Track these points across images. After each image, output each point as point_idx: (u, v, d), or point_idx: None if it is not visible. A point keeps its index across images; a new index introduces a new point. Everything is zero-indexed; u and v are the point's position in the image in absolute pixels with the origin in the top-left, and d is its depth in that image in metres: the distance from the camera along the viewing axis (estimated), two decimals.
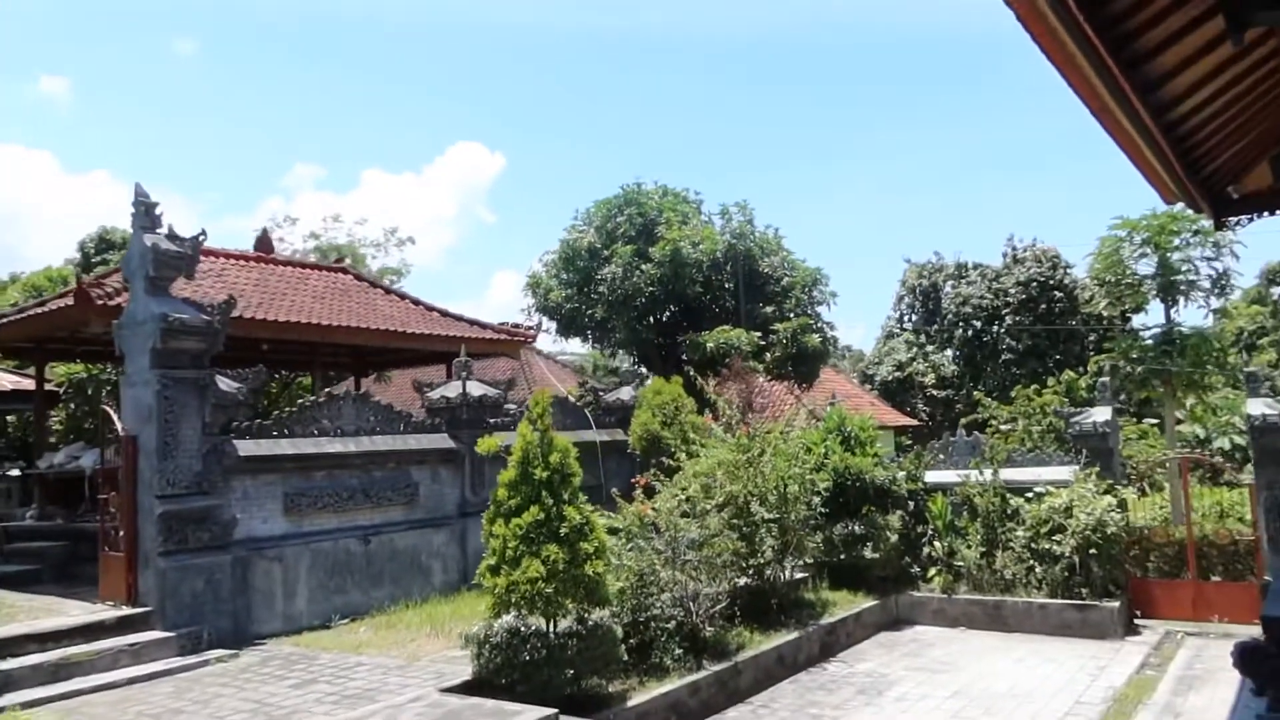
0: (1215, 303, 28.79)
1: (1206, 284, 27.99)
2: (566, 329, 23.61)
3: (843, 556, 14.01)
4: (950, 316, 41.08)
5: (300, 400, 14.71)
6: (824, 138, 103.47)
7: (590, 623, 8.89)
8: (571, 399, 19.68)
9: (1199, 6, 6.32)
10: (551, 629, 8.62)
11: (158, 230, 12.07)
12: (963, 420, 30.18)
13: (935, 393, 37.68)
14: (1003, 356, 39.07)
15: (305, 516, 12.62)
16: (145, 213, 11.98)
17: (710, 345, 20.06)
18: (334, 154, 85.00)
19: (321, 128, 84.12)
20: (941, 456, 15.64)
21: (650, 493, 11.73)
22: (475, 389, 15.17)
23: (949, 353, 41.29)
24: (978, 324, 40.30)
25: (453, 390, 15.10)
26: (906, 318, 43.58)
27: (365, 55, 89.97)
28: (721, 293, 22.54)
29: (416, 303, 20.26)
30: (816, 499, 13.66)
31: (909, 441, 30.38)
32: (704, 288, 21.98)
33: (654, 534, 10.65)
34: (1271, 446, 12.66)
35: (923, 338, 41.55)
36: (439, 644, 10.58)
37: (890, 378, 38.66)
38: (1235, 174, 10.05)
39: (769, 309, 21.92)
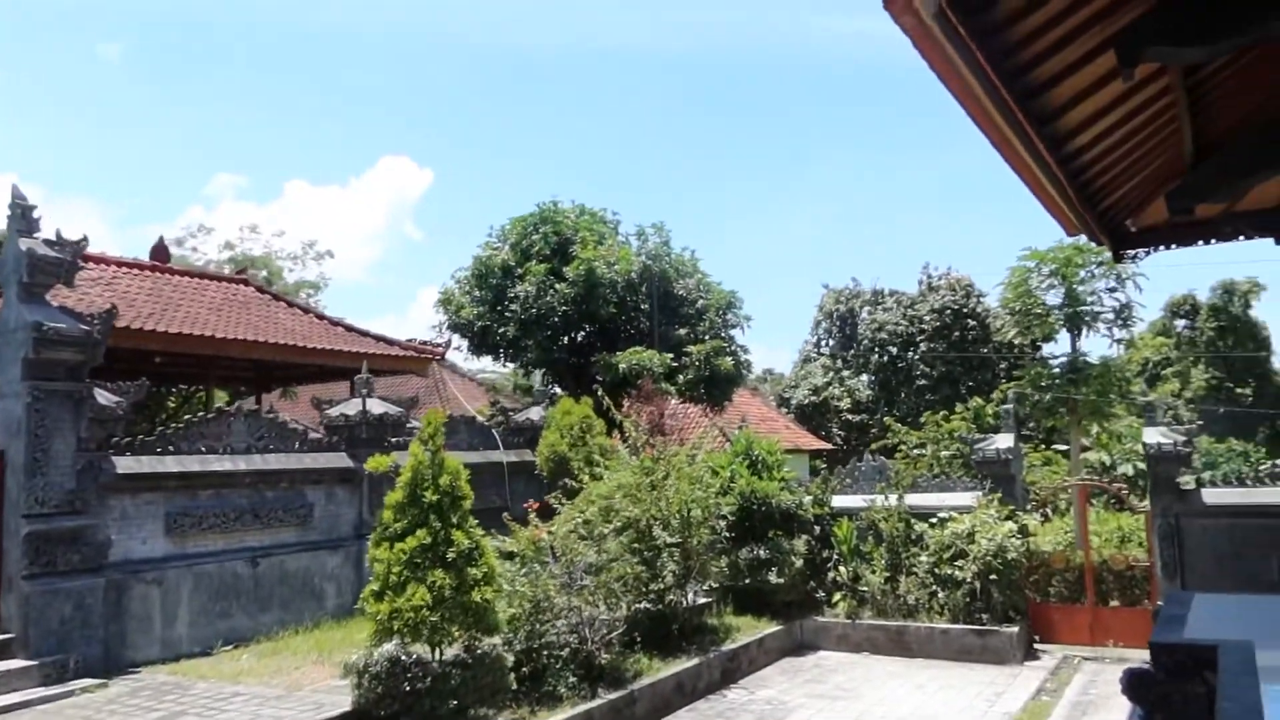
0: (1119, 333, 29.71)
1: (1110, 315, 28.89)
2: (478, 347, 23.14)
3: (747, 581, 13.88)
4: (866, 342, 41.67)
5: (188, 416, 14.06)
6: (752, 163, 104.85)
7: (479, 651, 8.56)
8: (481, 418, 19.29)
9: (1092, 40, 6.35)
10: (436, 657, 8.26)
11: (35, 234, 11.45)
12: (873, 445, 30.53)
13: (850, 417, 38.11)
14: (917, 382, 39.71)
15: (189, 538, 12.01)
16: (21, 215, 11.35)
17: (623, 366, 19.84)
18: (257, 164, 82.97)
19: (245, 137, 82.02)
20: (849, 481, 15.66)
21: (549, 515, 11.44)
22: (376, 407, 14.71)
23: (864, 377, 41.84)
24: (893, 350, 40.93)
25: (352, 408, 14.61)
26: (824, 342, 44.07)
27: (292, 65, 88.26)
28: (636, 314, 22.36)
29: (321, 317, 19.71)
30: (722, 523, 13.53)
31: (823, 465, 30.60)
32: (618, 308, 21.77)
33: (551, 559, 10.36)
34: (1166, 474, 12.94)
35: (839, 362, 42.04)
36: (324, 672, 10.11)
37: (806, 401, 38.98)
38: (1133, 208, 10.22)
39: (683, 331, 21.81)
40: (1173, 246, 10.75)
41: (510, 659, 9.18)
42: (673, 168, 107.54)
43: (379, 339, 19.45)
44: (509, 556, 10.21)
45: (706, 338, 21.62)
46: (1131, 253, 11.35)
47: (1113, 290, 27.39)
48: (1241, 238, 10.15)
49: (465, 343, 23.58)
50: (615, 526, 11.04)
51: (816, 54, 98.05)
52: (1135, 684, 8.24)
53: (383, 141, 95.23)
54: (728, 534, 13.82)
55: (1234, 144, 8.65)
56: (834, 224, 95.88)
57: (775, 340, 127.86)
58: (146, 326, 14.45)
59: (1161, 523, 12.74)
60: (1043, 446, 34.11)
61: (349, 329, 19.52)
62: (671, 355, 20.76)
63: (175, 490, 11.90)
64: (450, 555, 8.07)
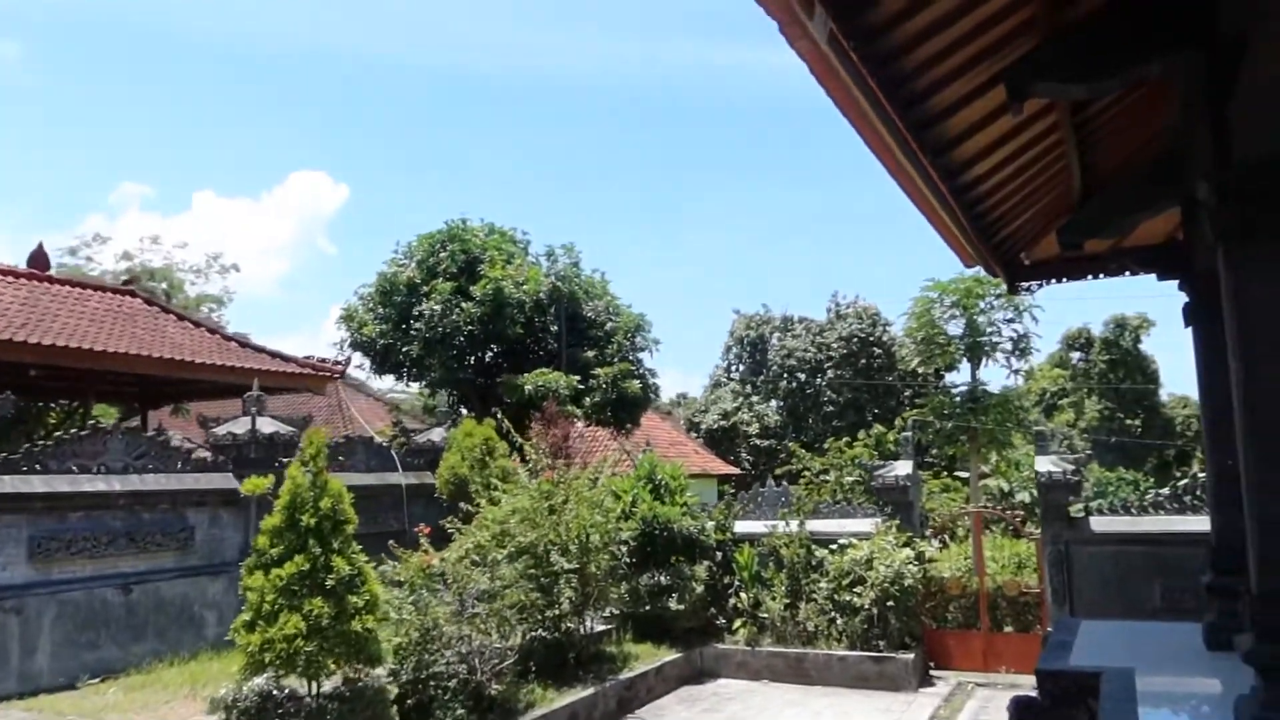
0: (1016, 363, 30.58)
1: (1009, 345, 29.71)
2: (381, 365, 22.61)
3: (648, 608, 13.69)
4: (776, 368, 42.10)
5: (58, 433, 13.29)
6: (671, 188, 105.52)
7: (360, 683, 8.18)
8: (383, 439, 18.77)
9: (984, 74, 6.40)
10: (312, 691, 7.86)
11: None
12: (778, 470, 30.74)
13: (759, 442, 38.39)
14: (825, 409, 40.27)
15: (55, 563, 11.29)
16: None
17: (528, 388, 19.57)
18: (164, 173, 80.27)
19: (152, 145, 79.30)
20: (751, 507, 15.63)
21: (447, 540, 11.10)
22: (266, 426, 14.14)
23: (774, 403, 42.24)
24: (801, 376, 41.44)
25: (241, 426, 14.02)
26: (735, 368, 44.41)
27: (204, 75, 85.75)
28: (544, 334, 22.15)
29: (214, 331, 18.97)
30: (623, 548, 13.34)
31: (732, 490, 30.70)
32: (525, 329, 21.52)
33: (441, 586, 10.01)
34: (1056, 502, 13.21)
35: (749, 388, 42.37)
36: (195, 707, 9.57)
37: (715, 426, 39.16)
38: (1027, 241, 10.41)
39: (591, 353, 21.65)
40: (1064, 280, 10.98)
41: (395, 691, 8.81)
42: (590, 192, 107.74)
43: (274, 355, 18.78)
44: (397, 584, 9.83)
45: (614, 360, 21.51)
46: (1026, 285, 11.58)
47: (1010, 321, 28.22)
48: (1128, 273, 10.42)
49: (367, 361, 23.05)
50: (509, 552, 10.74)
51: (743, 81, 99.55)
52: (1021, 711, 8.29)
53: (297, 155, 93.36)
54: (629, 559, 13.63)
55: (1119, 181, 8.88)
56: (750, 250, 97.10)
57: (692, 365, 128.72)
58: (18, 338, 13.65)
59: (1052, 550, 12.99)
60: (944, 474, 34.85)
61: (243, 344, 18.83)
62: (579, 377, 20.58)
63: (41, 512, 11.19)
64: (329, 582, 7.69)
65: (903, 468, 14.59)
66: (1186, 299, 8.53)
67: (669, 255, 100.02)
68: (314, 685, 7.85)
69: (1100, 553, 12.63)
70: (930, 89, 6.29)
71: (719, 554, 14.77)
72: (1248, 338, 5.44)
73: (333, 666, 7.85)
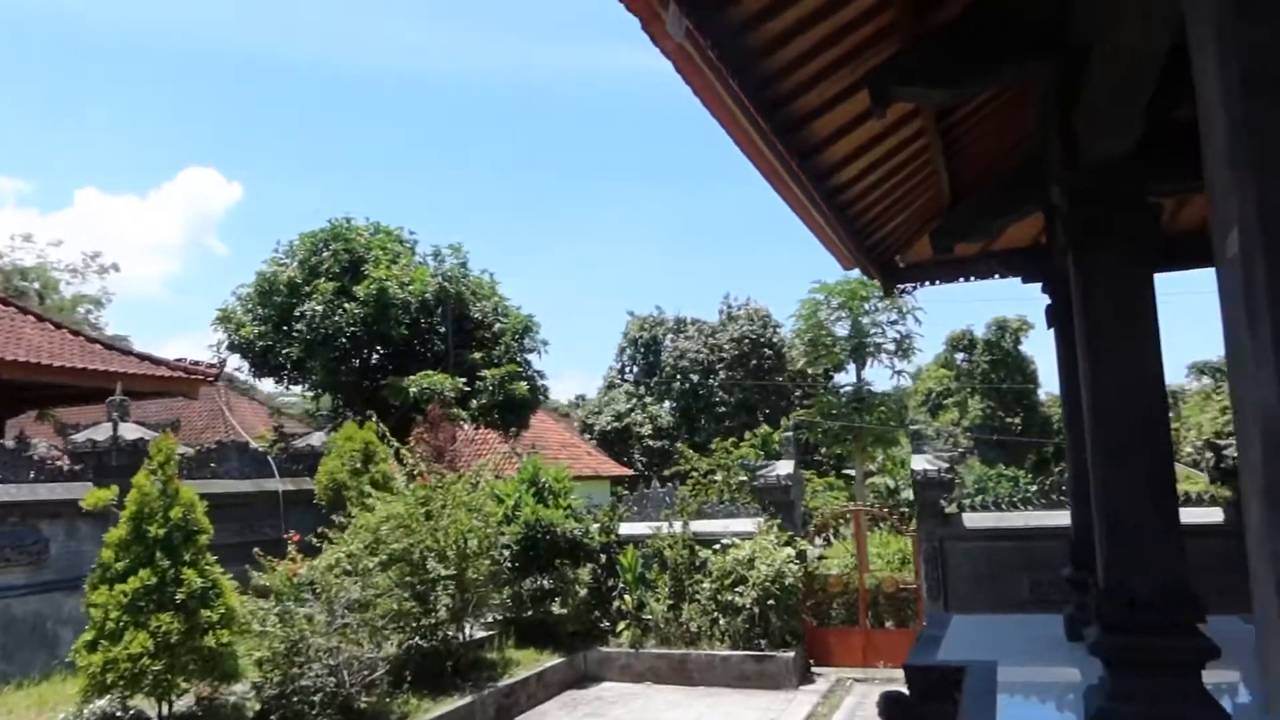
0: (900, 364, 31.42)
1: (892, 346, 30.49)
2: (260, 368, 21.81)
3: (531, 613, 13.50)
4: (669, 369, 42.28)
5: None
6: (577, 191, 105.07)
7: (216, 701, 7.79)
8: (263, 444, 18.10)
9: (848, 77, 6.42)
10: (163, 711, 7.43)
11: None
12: (667, 471, 30.88)
13: (652, 443, 38.46)
14: (717, 409, 40.60)
15: None
16: None
17: (413, 390, 19.12)
18: (43, 169, 76.06)
19: (32, 140, 75.02)
20: (636, 508, 15.58)
21: (312, 549, 10.70)
22: (130, 432, 13.41)
23: (667, 404, 42.40)
24: (694, 377, 41.70)
25: (102, 433, 13.28)
26: (628, 369, 44.43)
27: (87, 68, 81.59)
28: (430, 336, 21.69)
29: (76, 333, 17.95)
30: (505, 553, 13.12)
31: (625, 491, 30.70)
32: (411, 330, 21.04)
33: (311, 596, 9.63)
34: (931, 499, 13.51)
35: (642, 389, 42.44)
36: None
37: (609, 427, 39.08)
38: (901, 244, 10.56)
39: (478, 355, 21.30)
40: (937, 282, 11.20)
41: (256, 707, 8.42)
42: (492, 194, 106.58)
43: (143, 358, 17.87)
44: (263, 594, 9.41)
45: (502, 362, 21.21)
46: (901, 287, 11.78)
47: (894, 323, 29.01)
48: (996, 275, 10.68)
49: (245, 363, 22.22)
50: (382, 560, 10.40)
51: (645, 84, 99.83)
52: (890, 706, 8.40)
53: (188, 152, 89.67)
54: (512, 564, 13.42)
55: (986, 186, 9.07)
56: (653, 252, 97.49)
57: (596, 367, 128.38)
58: None
59: (927, 546, 13.28)
60: (833, 473, 35.57)
61: (109, 347, 17.88)
62: (465, 379, 20.22)
63: None
64: (180, 596, 7.29)
65: (784, 467, 14.73)
66: (1049, 301, 8.78)
67: (574, 258, 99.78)
68: (164, 705, 7.43)
69: (973, 548, 12.97)
70: (795, 91, 6.28)
71: (603, 556, 14.67)
72: (1093, 338, 5.57)
73: (184, 685, 7.44)
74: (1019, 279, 10.21)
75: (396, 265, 21.68)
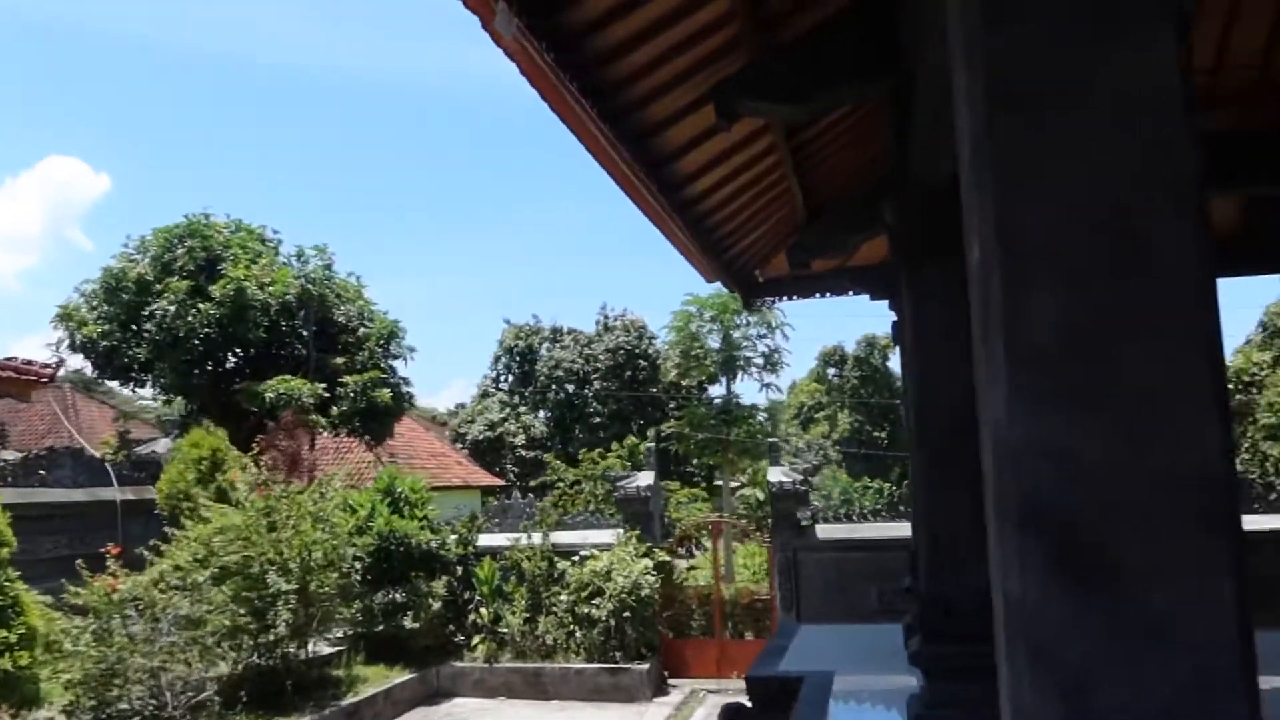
0: (769, 378, 31.91)
1: (761, 361, 30.94)
2: (104, 369, 20.60)
3: (382, 627, 13.09)
4: (544, 378, 41.99)
5: None
6: (466, 198, 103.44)
7: None
8: (103, 451, 17.10)
9: (697, 89, 6.41)
10: None
11: None
12: (532, 482, 30.64)
13: (525, 453, 38.09)
14: (591, 420, 40.52)
15: None
16: None
17: (270, 396, 18.36)
18: None
19: None
20: (497, 519, 15.33)
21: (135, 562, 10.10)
22: None
23: (541, 414, 42.10)
24: (570, 387, 41.54)
25: None
26: (503, 378, 43.91)
27: None
28: (291, 340, 20.91)
29: None
30: (357, 565, 12.70)
31: (496, 501, 30.27)
32: (270, 333, 20.22)
33: (134, 613, 9.07)
34: (786, 511, 13.72)
35: (516, 398, 42.02)
36: None
37: (481, 437, 38.52)
38: (760, 258, 10.65)
39: (340, 360, 20.63)
40: (794, 297, 11.36)
41: None
42: (369, 197, 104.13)
43: None
44: (81, 611, 8.81)
45: (366, 368, 20.60)
46: (761, 301, 11.91)
47: (762, 337, 29.43)
48: (851, 292, 10.90)
49: (89, 364, 20.95)
50: (214, 573, 9.88)
51: (514, 87, 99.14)
52: (731, 717, 8.42)
53: (52, 139, 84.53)
54: (363, 577, 13.00)
55: (840, 204, 9.24)
56: (538, 261, 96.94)
57: (477, 375, 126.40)
58: None
59: (781, 557, 13.47)
60: (704, 484, 35.88)
61: None
62: (326, 385, 19.54)
63: None
64: None
65: (644, 478, 14.73)
66: (894, 318, 8.98)
67: (462, 266, 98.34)
68: None
69: (825, 559, 13.20)
70: (642, 100, 6.23)
71: (460, 569, 14.37)
72: (919, 354, 5.69)
73: None
74: (868, 296, 10.43)
75: (257, 265, 20.82)
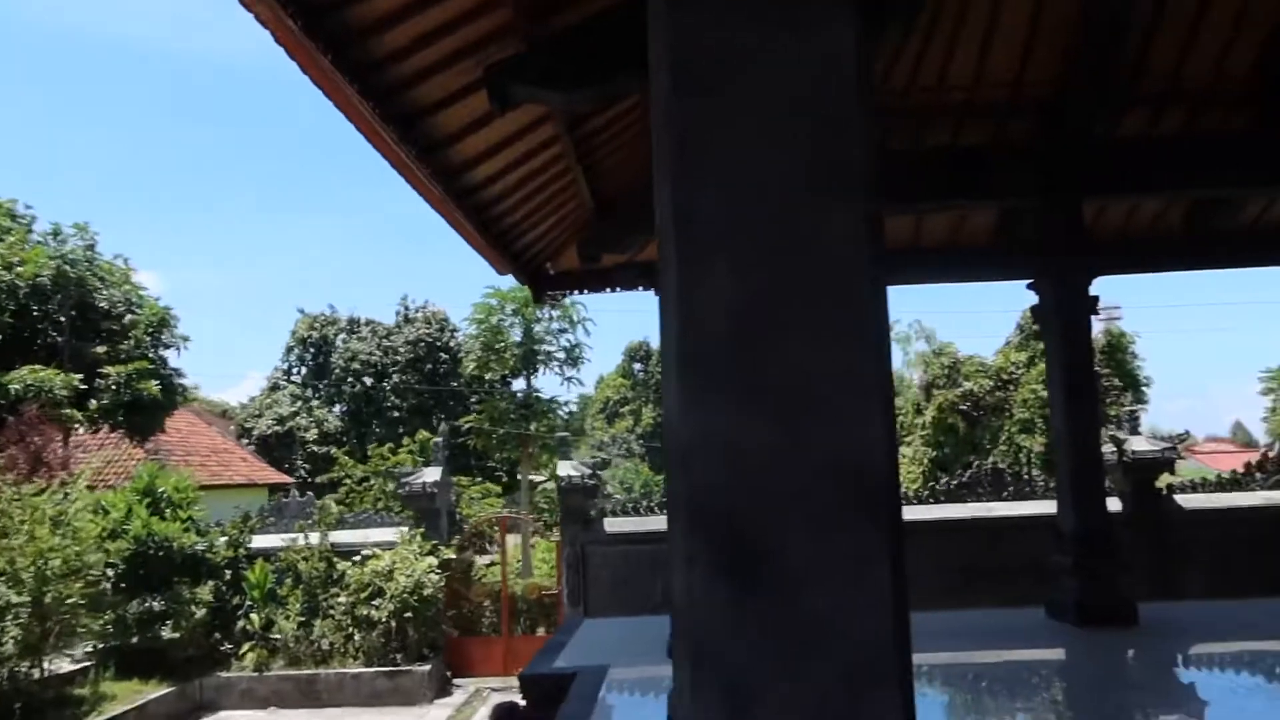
0: (571, 372, 31.95)
1: (562, 355, 30.94)
2: None
3: (137, 639, 12.09)
4: (339, 371, 40.38)
5: None
6: (267, 185, 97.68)
7: None
8: None
9: (467, 74, 6.18)
10: None
11: None
12: (319, 478, 29.46)
13: (317, 449, 36.44)
14: (389, 414, 39.33)
15: None
16: None
17: (15, 388, 16.64)
18: None
19: None
20: (273, 519, 14.50)
21: None
22: None
23: (337, 408, 40.49)
24: (368, 380, 40.17)
25: None
26: (296, 369, 41.87)
27: None
28: (45, 326, 19.08)
29: None
30: (110, 572, 11.66)
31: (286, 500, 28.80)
32: (19, 318, 18.38)
33: None
34: (574, 505, 13.65)
35: (309, 391, 40.19)
36: None
37: (270, 431, 36.59)
38: (551, 251, 10.48)
39: (102, 349, 18.99)
40: (585, 291, 11.29)
41: None
42: (160, 179, 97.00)
43: None
44: None
45: (131, 357, 19.04)
46: (552, 294, 11.76)
47: (563, 332, 29.42)
48: (640, 287, 10.93)
49: None
50: None
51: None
52: (504, 717, 8.26)
53: None
54: (117, 585, 11.96)
55: (628, 199, 9.21)
56: (332, 249, 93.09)
57: (270, 367, 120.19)
58: None
59: (569, 551, 13.40)
60: (505, 479, 35.50)
61: None
62: (83, 376, 17.91)
63: None
64: None
65: (431, 474, 14.31)
66: None
67: (257, 253, 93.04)
68: None
69: (612, 552, 13.23)
70: (411, 80, 5.96)
71: (229, 572, 13.48)
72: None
73: None
74: (653, 291, 10.49)
75: (3, 243, 18.88)
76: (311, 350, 41.75)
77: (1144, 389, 26.12)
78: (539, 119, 7.25)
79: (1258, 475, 12.16)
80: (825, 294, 1.71)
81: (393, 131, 6.17)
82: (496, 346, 30.22)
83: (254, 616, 13.15)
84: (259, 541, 14.05)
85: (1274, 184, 8.47)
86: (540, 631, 14.41)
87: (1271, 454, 14.15)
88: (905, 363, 35.03)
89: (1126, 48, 7.64)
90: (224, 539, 13.61)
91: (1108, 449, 11.60)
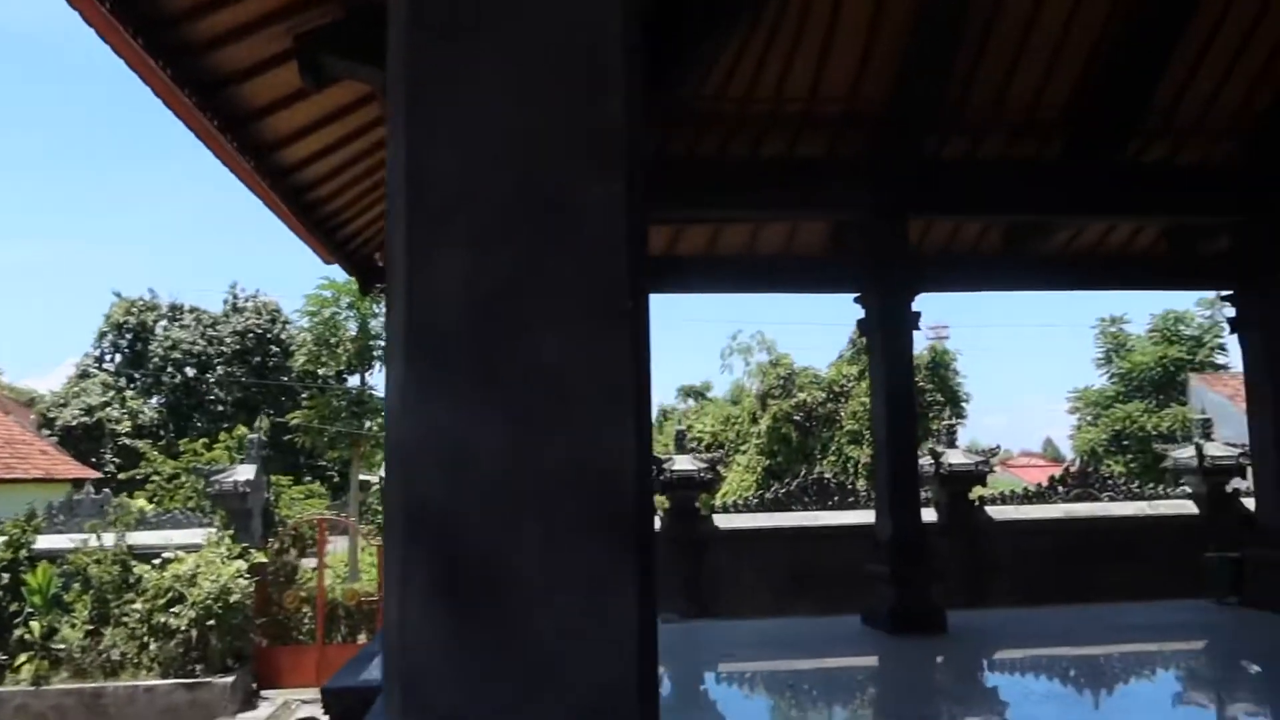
0: None
1: None
2: None
3: None
4: (158, 360, 37.90)
5: None
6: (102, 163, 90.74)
7: None
8: None
9: (277, 41, 5.74)
10: None
11: None
12: (123, 474, 27.59)
13: (130, 442, 33.98)
14: (213, 408, 37.23)
15: None
16: None
17: None
18: None
19: None
20: (63, 518, 13.31)
21: None
22: None
23: (155, 399, 37.99)
24: (190, 371, 37.88)
25: None
26: (109, 357, 38.98)
27: None
28: None
29: None
30: None
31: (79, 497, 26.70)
32: None
33: None
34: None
35: (123, 380, 37.51)
36: None
37: (76, 422, 33.91)
38: (380, 243, 10.00)
39: None
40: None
41: None
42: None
43: None
44: None
45: None
46: (381, 287, 11.23)
47: None
48: None
49: None
50: None
51: None
52: None
53: None
54: None
55: None
56: (157, 233, 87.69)
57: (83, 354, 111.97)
58: None
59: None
60: (337, 479, 34.14)
61: None
62: None
63: None
64: None
65: (244, 472, 13.46)
66: None
67: (76, 232, 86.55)
68: None
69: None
70: (212, 42, 5.48)
71: (6, 576, 12.26)
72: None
73: None
74: None
75: None
76: (128, 336, 38.99)
77: (964, 404, 27.39)
78: (362, 98, 6.83)
79: (1059, 489, 12.84)
80: (578, 277, 1.48)
81: (191, 97, 5.68)
82: (330, 340, 29.07)
83: (34, 624, 11.98)
84: (45, 542, 12.85)
85: (1081, 212, 8.94)
86: (361, 639, 13.77)
87: (1073, 469, 15.00)
88: (746, 373, 35.66)
89: (952, 69, 7.86)
90: (2, 539, 12.38)
91: (926, 461, 11.98)
